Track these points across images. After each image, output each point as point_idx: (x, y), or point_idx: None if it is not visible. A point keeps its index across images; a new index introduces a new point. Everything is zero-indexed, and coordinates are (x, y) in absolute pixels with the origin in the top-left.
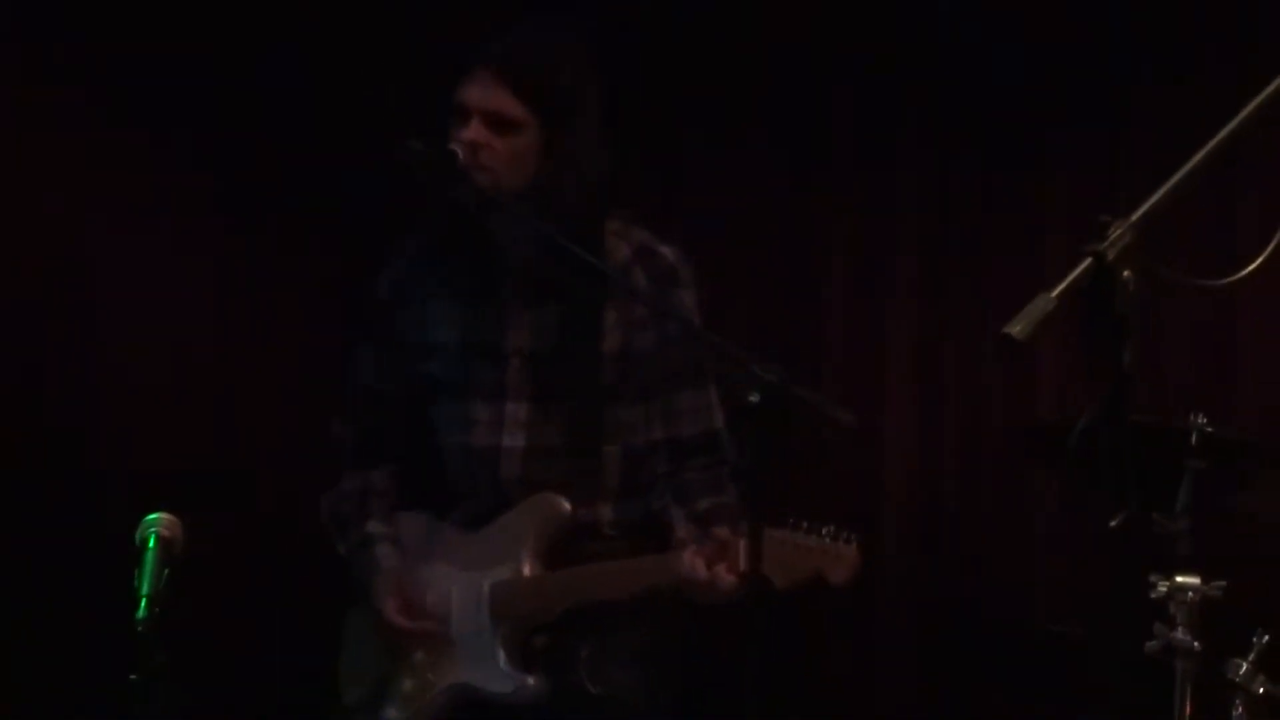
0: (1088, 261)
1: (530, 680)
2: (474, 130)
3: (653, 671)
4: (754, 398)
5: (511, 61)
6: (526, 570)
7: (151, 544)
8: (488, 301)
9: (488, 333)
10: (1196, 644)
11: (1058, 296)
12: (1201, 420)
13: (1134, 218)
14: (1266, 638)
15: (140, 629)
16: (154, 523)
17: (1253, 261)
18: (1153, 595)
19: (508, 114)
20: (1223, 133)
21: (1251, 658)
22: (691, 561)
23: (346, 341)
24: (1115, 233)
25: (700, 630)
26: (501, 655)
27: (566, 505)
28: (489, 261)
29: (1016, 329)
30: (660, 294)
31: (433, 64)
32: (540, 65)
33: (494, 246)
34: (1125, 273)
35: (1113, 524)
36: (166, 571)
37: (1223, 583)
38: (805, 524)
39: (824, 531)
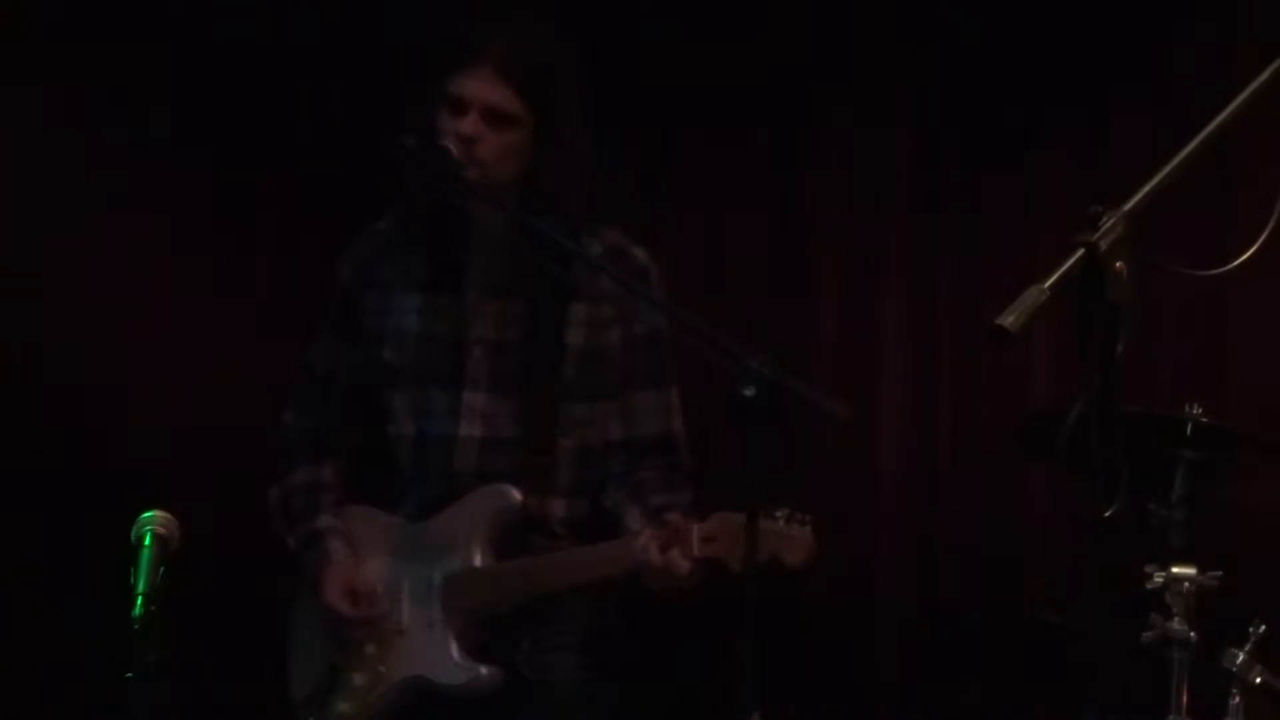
0: (1080, 252)
1: (484, 670)
2: (470, 124)
3: (591, 660)
4: (749, 391)
5: (514, 59)
6: (477, 561)
7: (147, 542)
8: (450, 292)
9: (449, 322)
10: (1193, 634)
11: (1050, 287)
12: (1197, 410)
13: (1126, 208)
14: (1263, 628)
15: (136, 627)
16: (150, 520)
17: (1245, 251)
18: (1149, 586)
19: (507, 109)
20: (1214, 123)
21: (1248, 648)
22: (646, 546)
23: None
24: (1107, 223)
25: (639, 619)
26: (454, 646)
27: (517, 496)
28: (456, 253)
29: (1009, 320)
30: (639, 293)
31: (421, 59)
32: (541, 64)
33: (465, 238)
34: (1118, 263)
35: (1107, 514)
36: (162, 569)
37: (1219, 573)
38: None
39: (778, 514)
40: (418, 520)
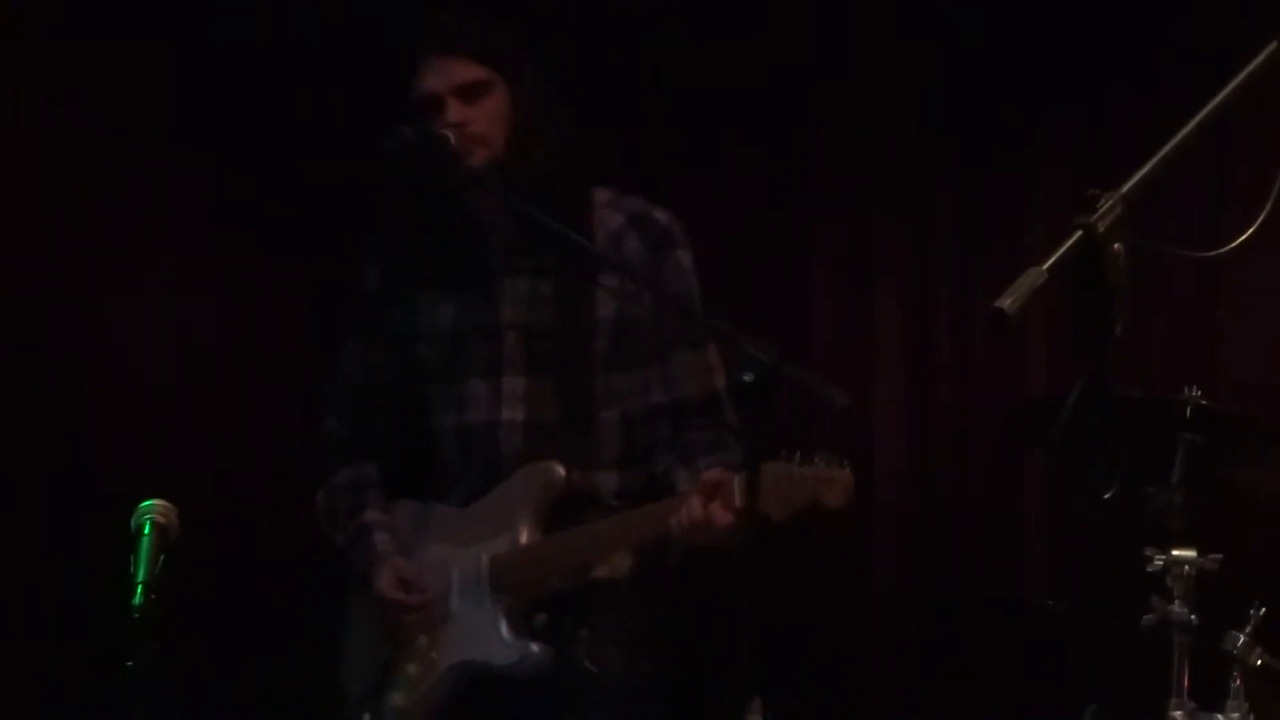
0: (1078, 234)
1: (534, 648)
2: (453, 111)
3: (647, 653)
4: (747, 377)
5: (453, 32)
6: (524, 539)
7: (147, 531)
8: (478, 281)
9: (481, 312)
10: (1194, 617)
11: (1048, 270)
12: (1195, 393)
13: (1123, 190)
14: (1264, 610)
15: (136, 616)
16: (149, 509)
17: (1241, 234)
18: (1149, 569)
19: (472, 78)
20: (1210, 106)
21: (1249, 630)
22: (688, 502)
23: (337, 338)
24: (1105, 205)
25: (693, 614)
26: (504, 626)
27: (561, 471)
28: (475, 241)
29: (1007, 303)
30: (654, 262)
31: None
32: (479, 26)
33: (478, 226)
34: (1115, 245)
35: (1106, 496)
36: (162, 558)
37: (1219, 556)
38: (797, 454)
39: (816, 460)
40: (464, 506)
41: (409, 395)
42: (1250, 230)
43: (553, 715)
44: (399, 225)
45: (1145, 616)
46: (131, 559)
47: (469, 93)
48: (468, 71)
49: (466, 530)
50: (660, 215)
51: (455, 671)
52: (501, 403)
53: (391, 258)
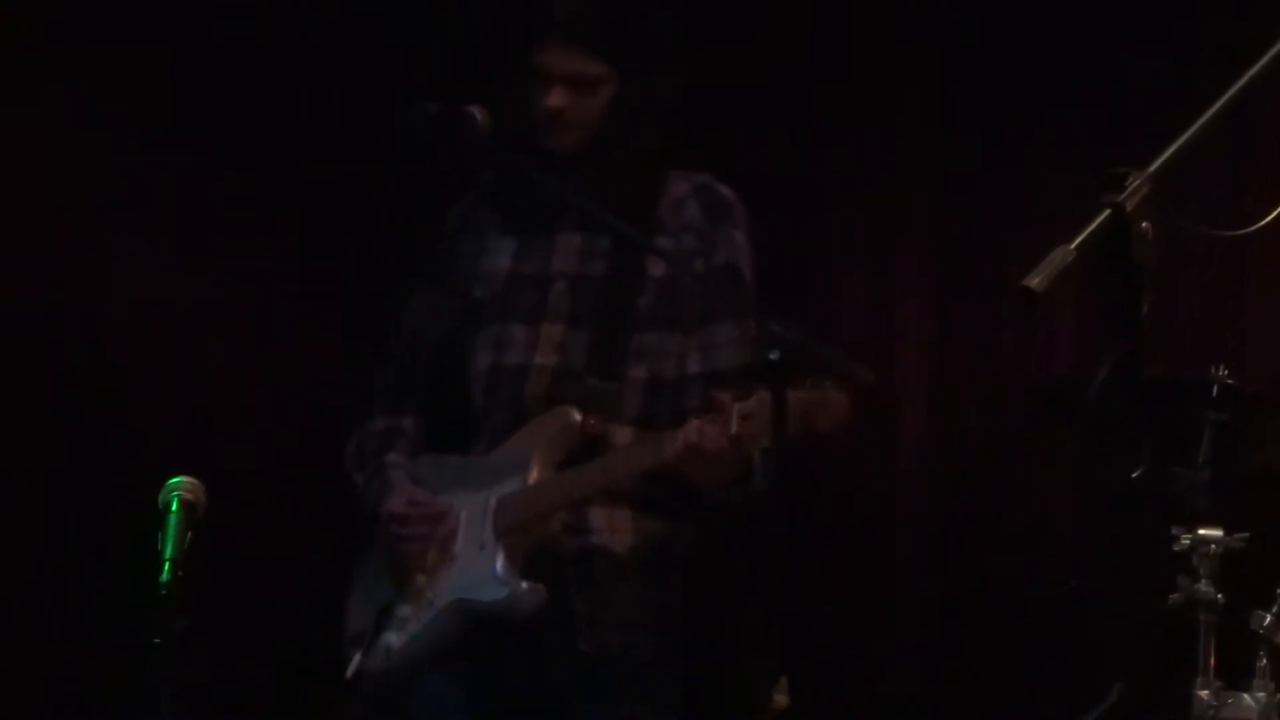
0: (1106, 213)
1: (523, 585)
2: (558, 96)
3: (649, 636)
4: (773, 355)
5: (584, 22)
6: (533, 479)
7: (175, 507)
8: (543, 233)
9: (536, 260)
10: (1220, 596)
11: (1076, 248)
12: (1223, 372)
13: (1151, 169)
14: None
15: (163, 592)
16: (177, 486)
17: (1268, 212)
18: (1176, 548)
19: (589, 74)
20: (1237, 84)
21: (1275, 609)
22: (684, 427)
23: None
24: (1133, 183)
25: (716, 595)
26: (499, 563)
27: (576, 416)
28: (544, 201)
29: (1035, 281)
30: (710, 231)
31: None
32: (613, 20)
33: (548, 191)
34: (1143, 223)
35: (1133, 475)
36: (190, 535)
37: (1246, 534)
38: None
39: (809, 383)
40: (483, 452)
41: (458, 340)
42: (1278, 209)
43: (552, 698)
44: (487, 176)
45: (1171, 596)
46: (159, 536)
47: (580, 85)
48: (587, 65)
49: (481, 474)
50: (725, 190)
51: (448, 613)
52: (537, 348)
53: (472, 204)
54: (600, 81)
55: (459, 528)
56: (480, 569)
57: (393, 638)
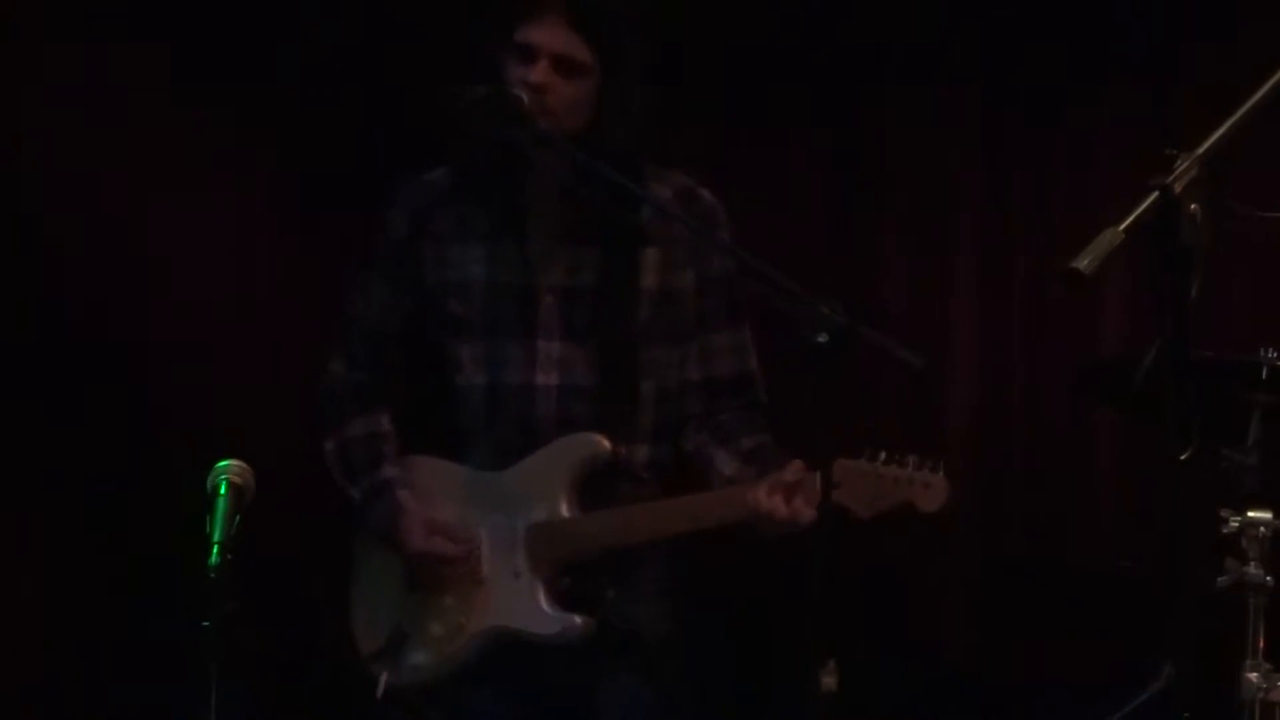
0: (1154, 195)
1: (578, 620)
2: (541, 72)
3: (674, 609)
4: (822, 338)
5: (583, 5)
6: (564, 511)
7: (223, 491)
8: (514, 240)
9: (516, 272)
10: (1269, 579)
11: (1125, 230)
12: (1272, 354)
13: (1200, 151)
14: None
15: (212, 575)
16: (225, 469)
17: None
18: (1224, 530)
19: (577, 58)
20: None
21: None
22: (769, 499)
23: (352, 280)
24: (1181, 165)
25: (722, 568)
26: (543, 597)
27: (607, 445)
28: (517, 202)
29: (1083, 264)
30: (698, 238)
31: (484, 6)
32: (609, 11)
33: (526, 186)
34: (1192, 206)
35: (1182, 457)
36: (238, 518)
37: None
38: (883, 454)
39: (909, 462)
40: (492, 470)
41: (431, 350)
42: None
43: (584, 677)
44: (441, 175)
45: (1220, 578)
46: (207, 519)
47: (566, 66)
48: (576, 47)
49: (499, 495)
50: (705, 194)
51: (485, 637)
52: (536, 366)
53: (423, 206)
54: (583, 71)
55: (483, 549)
56: (518, 599)
57: (420, 656)
